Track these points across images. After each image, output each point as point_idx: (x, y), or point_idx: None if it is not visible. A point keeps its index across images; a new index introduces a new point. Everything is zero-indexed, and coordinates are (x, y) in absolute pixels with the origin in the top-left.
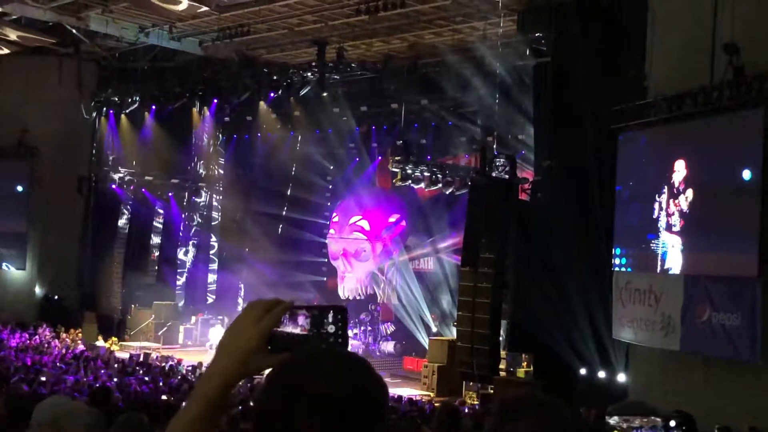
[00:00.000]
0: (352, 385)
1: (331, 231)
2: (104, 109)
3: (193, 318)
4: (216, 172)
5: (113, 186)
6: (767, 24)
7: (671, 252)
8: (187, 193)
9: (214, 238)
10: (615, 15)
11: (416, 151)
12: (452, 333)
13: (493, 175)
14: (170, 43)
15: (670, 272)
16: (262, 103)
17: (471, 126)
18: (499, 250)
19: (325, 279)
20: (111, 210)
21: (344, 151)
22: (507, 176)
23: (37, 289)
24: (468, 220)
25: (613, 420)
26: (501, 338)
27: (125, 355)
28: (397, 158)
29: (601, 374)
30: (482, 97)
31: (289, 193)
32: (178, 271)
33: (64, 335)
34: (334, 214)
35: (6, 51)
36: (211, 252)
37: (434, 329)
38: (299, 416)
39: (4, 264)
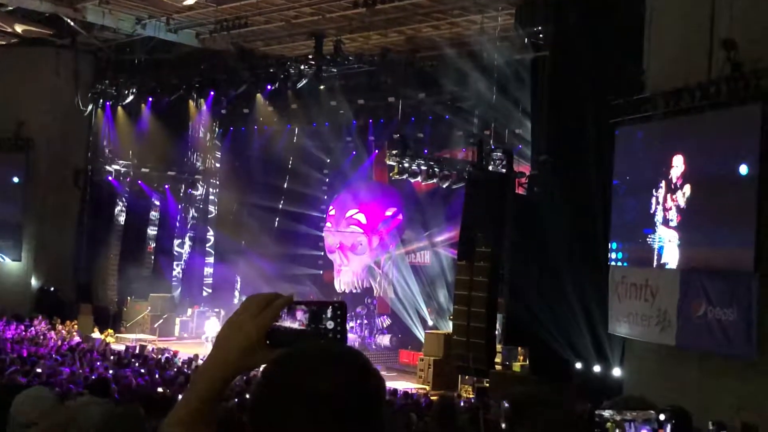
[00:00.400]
0: (349, 383)
1: (328, 224)
2: (101, 101)
3: (190, 310)
4: (212, 165)
5: (109, 178)
6: (765, 20)
7: (668, 247)
8: (183, 186)
9: (210, 231)
10: (613, 9)
11: (413, 144)
12: (448, 326)
13: (490, 169)
14: (167, 35)
15: (667, 267)
16: (259, 95)
17: (468, 120)
18: (495, 244)
19: (321, 272)
20: (107, 202)
21: (341, 144)
22: (504, 170)
23: (33, 281)
24: (464, 214)
25: (606, 413)
26: (497, 332)
27: (121, 347)
28: (394, 152)
29: (597, 368)
30: (480, 91)
31: (285, 186)
32: (175, 263)
33: (59, 327)
34: (331, 208)
35: (2, 42)
36: (208, 245)
37: (430, 323)
38: (295, 413)
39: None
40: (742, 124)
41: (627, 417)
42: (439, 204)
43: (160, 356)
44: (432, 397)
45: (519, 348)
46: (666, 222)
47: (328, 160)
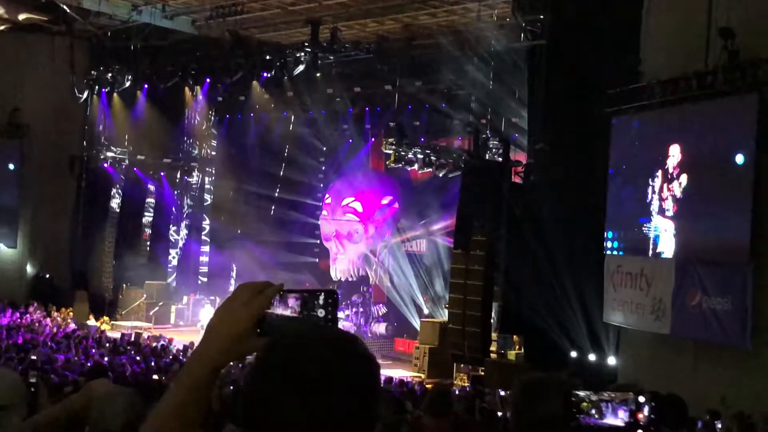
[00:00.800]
0: (341, 368)
1: (324, 212)
2: (96, 87)
3: (186, 298)
4: (208, 153)
5: (105, 165)
6: (762, 8)
7: (663, 236)
8: (179, 173)
9: (206, 219)
10: None
11: (409, 133)
12: (444, 315)
13: (487, 157)
14: (163, 21)
15: (662, 256)
16: (255, 83)
17: (465, 108)
18: (491, 232)
19: (317, 260)
20: (103, 189)
21: (337, 132)
22: (500, 159)
23: (29, 268)
24: (461, 202)
25: (582, 393)
26: (492, 320)
27: (117, 335)
28: (390, 140)
29: (592, 357)
30: (476, 79)
31: (281, 173)
32: (170, 250)
33: (55, 314)
34: (327, 196)
35: None
36: (204, 232)
37: (426, 311)
38: (287, 399)
39: None
40: (739, 113)
41: (604, 397)
42: (436, 192)
43: (155, 344)
44: (427, 386)
45: (514, 336)
46: (662, 211)
47: (325, 148)
